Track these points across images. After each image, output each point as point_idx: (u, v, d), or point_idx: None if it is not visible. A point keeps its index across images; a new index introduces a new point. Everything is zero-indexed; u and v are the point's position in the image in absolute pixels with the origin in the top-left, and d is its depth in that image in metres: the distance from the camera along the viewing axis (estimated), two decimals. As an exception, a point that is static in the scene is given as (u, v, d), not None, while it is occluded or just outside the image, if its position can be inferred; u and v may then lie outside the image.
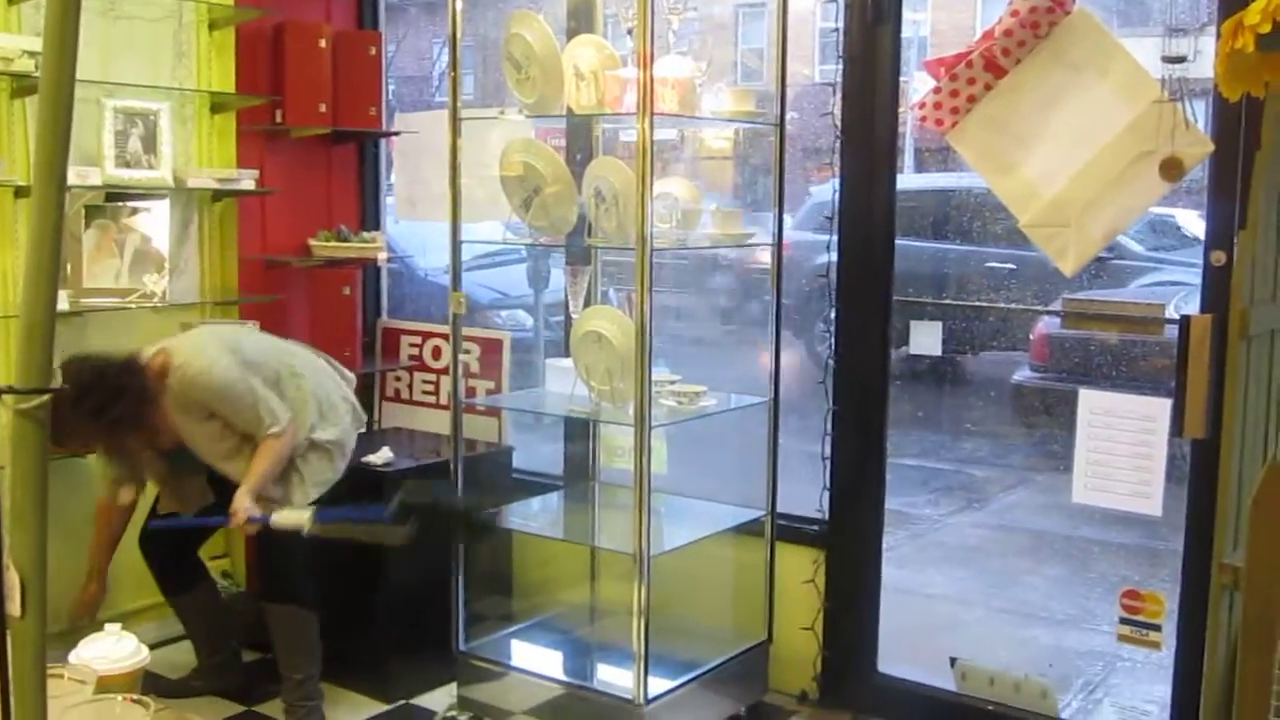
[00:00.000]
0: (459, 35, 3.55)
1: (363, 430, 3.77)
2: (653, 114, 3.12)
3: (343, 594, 3.83)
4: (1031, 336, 6.70)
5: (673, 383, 3.53)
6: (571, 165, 3.81)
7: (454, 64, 3.56)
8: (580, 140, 3.99)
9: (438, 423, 4.43)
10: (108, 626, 1.96)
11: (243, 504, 3.34)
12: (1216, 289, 3.04)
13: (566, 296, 3.79)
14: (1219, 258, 3.06)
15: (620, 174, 3.34)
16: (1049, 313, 4.51)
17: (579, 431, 4.13)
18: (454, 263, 3.64)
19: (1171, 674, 3.23)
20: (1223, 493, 2.59)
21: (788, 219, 6.94)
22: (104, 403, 3.21)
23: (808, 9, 4.71)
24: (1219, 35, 2.38)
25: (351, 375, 3.82)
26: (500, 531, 3.94)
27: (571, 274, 3.70)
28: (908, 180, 9.62)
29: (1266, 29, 2.24)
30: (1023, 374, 6.92)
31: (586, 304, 3.75)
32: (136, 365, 3.33)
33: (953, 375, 7.82)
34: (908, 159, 10.63)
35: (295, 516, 3.33)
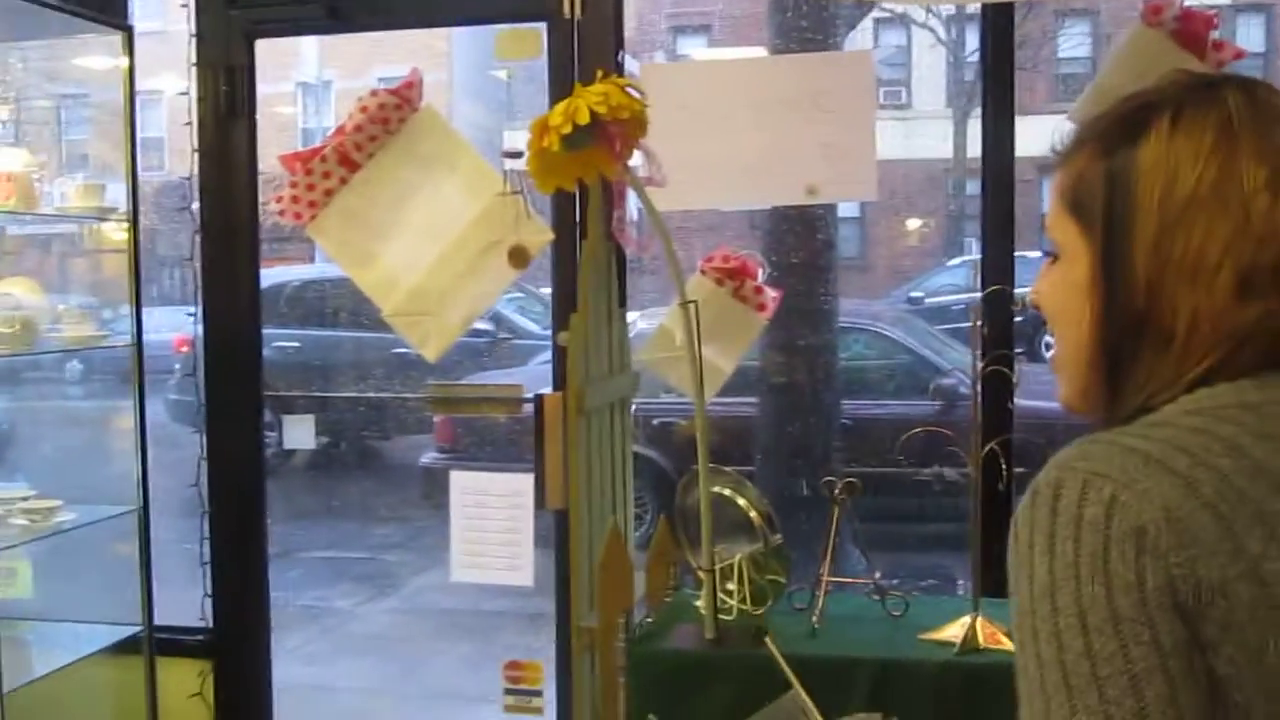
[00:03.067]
0: None
1: None
2: (-23, 211, 2.89)
3: None
4: (436, 419, 6.88)
5: (25, 499, 3.27)
6: (-100, 267, 3.46)
7: None
8: (-91, 239, 3.64)
9: None
10: None
11: None
12: (563, 367, 3.23)
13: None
14: (564, 338, 3.26)
15: (-50, 276, 3.07)
16: (418, 399, 4.62)
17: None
18: None
19: (555, 737, 3.38)
20: (574, 559, 2.74)
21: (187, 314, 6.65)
22: None
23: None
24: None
25: None
26: None
27: (-98, 387, 3.34)
28: (319, 269, 9.62)
29: (568, 130, 2.43)
30: (430, 456, 7.08)
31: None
32: None
33: (365, 461, 7.87)
34: (318, 247, 10.63)
35: None
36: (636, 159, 2.57)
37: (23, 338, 3.24)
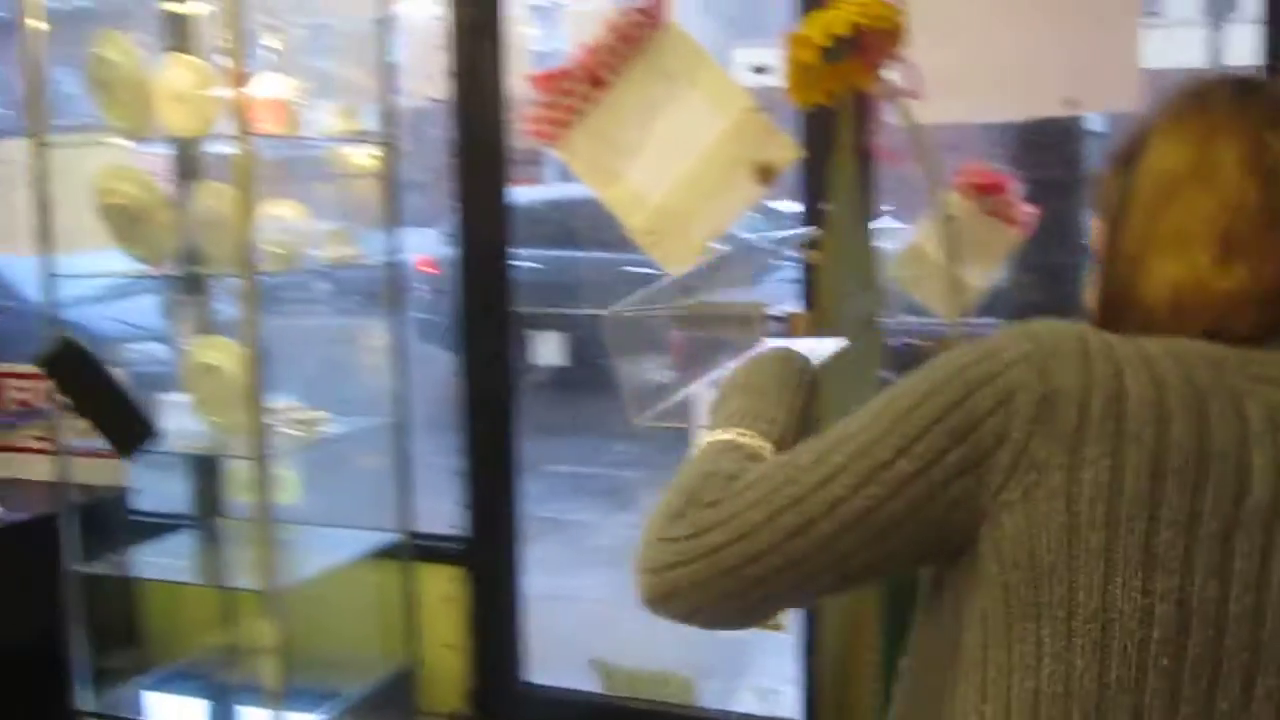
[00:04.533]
0: (41, 57, 3.35)
1: None
2: (250, 135, 3.02)
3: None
4: (669, 339, 6.92)
5: (293, 410, 3.44)
6: (178, 190, 3.67)
7: (33, 85, 3.35)
8: (186, 164, 3.83)
9: (47, 470, 4.14)
10: None
11: None
12: (812, 285, 3.20)
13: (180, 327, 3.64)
14: (813, 255, 3.23)
15: (224, 199, 3.22)
16: (662, 317, 4.64)
17: (204, 468, 3.95)
18: (49, 302, 3.43)
19: (798, 652, 3.39)
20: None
21: (435, 235, 6.88)
22: None
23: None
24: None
25: None
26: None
27: (182, 304, 3.55)
28: (550, 190, 9.77)
29: (827, 43, 2.38)
30: (665, 376, 7.12)
31: (202, 333, 3.60)
32: None
33: (598, 380, 7.97)
34: (552, 169, 10.80)
35: None
36: (893, 71, 2.50)
37: (288, 258, 3.39)
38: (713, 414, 1.27)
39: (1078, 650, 0.95)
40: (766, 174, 3.15)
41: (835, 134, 2.91)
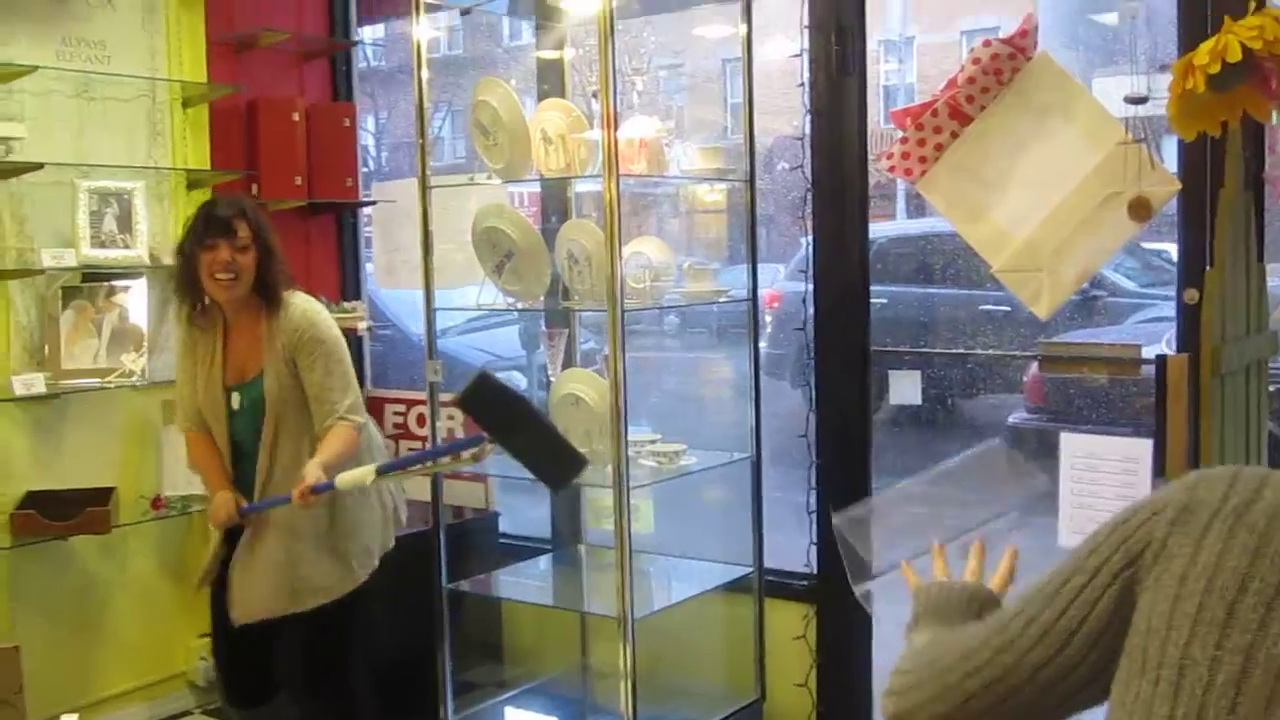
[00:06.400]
0: (427, 104, 3.58)
1: None
2: (618, 175, 3.12)
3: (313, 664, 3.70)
4: (1025, 379, 6.69)
5: (652, 442, 3.52)
6: (547, 228, 3.83)
7: (421, 132, 3.58)
8: (554, 203, 4.00)
9: (425, 490, 4.40)
10: (64, 718, 1.93)
11: (313, 472, 2.93)
12: (1191, 327, 3.01)
13: (546, 360, 3.78)
14: (1192, 296, 3.04)
15: (591, 236, 3.34)
16: (1027, 357, 4.46)
17: (565, 494, 4.09)
18: (429, 332, 3.65)
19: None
20: (1204, 533, 2.56)
21: (780, 270, 6.90)
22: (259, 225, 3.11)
23: (793, 64, 4.76)
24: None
25: None
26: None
27: (548, 337, 3.70)
28: (901, 226, 9.64)
29: (1216, 69, 2.25)
30: (1018, 416, 6.88)
31: (565, 366, 3.74)
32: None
33: (949, 420, 7.79)
34: (899, 205, 10.66)
35: (357, 474, 2.91)
36: (1293, 98, 2.33)
37: (651, 293, 3.48)
38: (908, 634, 1.57)
39: (1159, 695, 1.11)
40: (1143, 209, 2.99)
41: (1222, 166, 2.74)
